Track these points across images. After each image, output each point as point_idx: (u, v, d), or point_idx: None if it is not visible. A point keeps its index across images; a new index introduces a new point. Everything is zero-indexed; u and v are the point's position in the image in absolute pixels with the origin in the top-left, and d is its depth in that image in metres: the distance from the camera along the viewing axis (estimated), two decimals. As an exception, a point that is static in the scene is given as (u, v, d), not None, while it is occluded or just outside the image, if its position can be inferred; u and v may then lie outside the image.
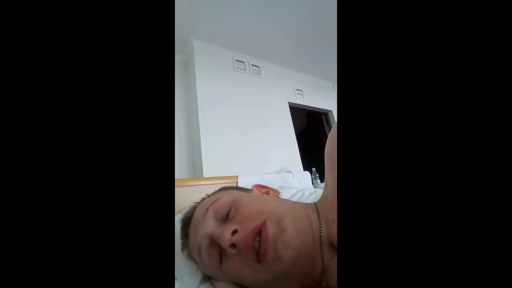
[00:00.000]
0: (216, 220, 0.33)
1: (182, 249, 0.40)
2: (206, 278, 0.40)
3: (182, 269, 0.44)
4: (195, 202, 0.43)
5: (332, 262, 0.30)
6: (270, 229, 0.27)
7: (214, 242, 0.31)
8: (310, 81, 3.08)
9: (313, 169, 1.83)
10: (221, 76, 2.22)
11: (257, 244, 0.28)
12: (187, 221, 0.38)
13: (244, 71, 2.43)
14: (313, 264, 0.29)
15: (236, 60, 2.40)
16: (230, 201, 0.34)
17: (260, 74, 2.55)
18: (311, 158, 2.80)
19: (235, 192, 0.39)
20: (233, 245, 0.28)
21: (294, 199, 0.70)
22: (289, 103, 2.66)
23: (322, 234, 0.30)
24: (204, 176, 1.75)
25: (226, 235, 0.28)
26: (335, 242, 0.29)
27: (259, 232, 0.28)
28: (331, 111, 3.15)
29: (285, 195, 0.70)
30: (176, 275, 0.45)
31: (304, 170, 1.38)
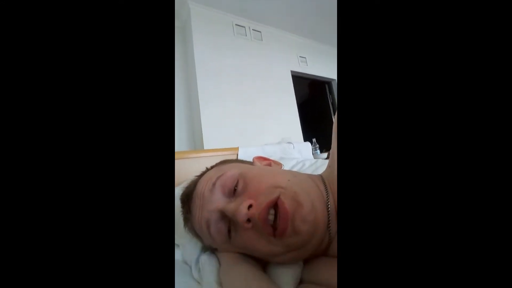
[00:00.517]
0: (224, 195, 0.33)
1: (185, 224, 0.40)
2: (207, 247, 0.41)
3: (184, 237, 0.45)
4: (196, 176, 0.42)
5: (336, 233, 0.30)
6: (288, 204, 0.27)
7: (224, 216, 0.31)
8: (314, 47, 2.91)
9: (314, 140, 1.83)
10: (220, 42, 2.09)
11: (272, 218, 0.28)
12: (189, 195, 0.38)
13: (245, 37, 2.28)
14: (324, 235, 0.30)
15: (236, 24, 2.25)
16: (237, 175, 0.33)
17: (262, 40, 2.40)
18: (312, 129, 2.78)
19: (241, 165, 0.38)
20: (248, 220, 0.28)
21: (295, 170, 0.70)
22: (291, 71, 2.56)
23: (329, 205, 0.31)
24: (205, 148, 1.76)
25: (243, 210, 0.28)
26: None
27: (273, 207, 0.28)
28: (334, 80, 3.03)
29: (285, 166, 0.70)
30: (177, 242, 0.47)
31: (305, 141, 1.37)
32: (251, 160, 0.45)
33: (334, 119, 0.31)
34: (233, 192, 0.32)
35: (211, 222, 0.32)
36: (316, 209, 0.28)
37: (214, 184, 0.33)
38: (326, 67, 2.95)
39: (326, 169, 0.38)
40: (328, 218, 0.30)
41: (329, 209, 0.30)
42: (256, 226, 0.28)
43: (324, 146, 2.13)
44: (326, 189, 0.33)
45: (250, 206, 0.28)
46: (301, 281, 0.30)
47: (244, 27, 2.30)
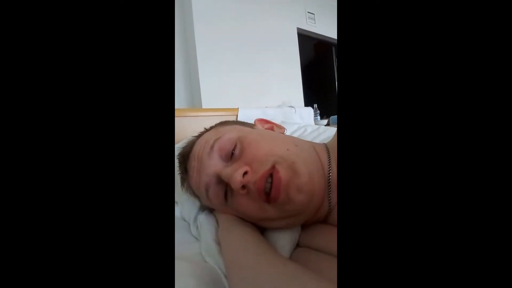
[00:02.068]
0: (221, 158, 0.32)
1: (182, 184, 0.40)
2: (205, 207, 0.42)
3: (182, 194, 0.45)
4: (193, 136, 0.41)
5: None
6: (282, 173, 0.27)
7: (220, 181, 0.31)
8: (324, 2, 2.65)
9: (315, 106, 1.78)
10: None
11: (268, 186, 0.28)
12: (186, 156, 0.37)
13: (248, -15, 2.04)
14: (322, 204, 0.30)
15: (239, -32, 1.99)
16: (235, 138, 0.32)
17: (268, -10, 2.16)
18: (314, 94, 2.71)
19: (240, 128, 0.37)
20: (243, 187, 0.28)
21: (296, 135, 0.69)
22: (298, 29, 2.36)
23: (330, 175, 0.30)
24: (203, 106, 1.71)
25: (237, 177, 0.28)
26: None
27: (270, 175, 0.28)
28: (343, 42, 2.84)
29: (287, 131, 0.69)
30: (176, 200, 0.48)
31: (306, 105, 1.34)
32: (251, 121, 0.43)
33: None
34: (230, 156, 0.32)
35: (209, 185, 0.32)
36: (313, 180, 0.28)
37: (212, 147, 0.33)
38: (335, 27, 2.73)
39: (333, 137, 0.37)
40: (329, 187, 0.30)
41: (330, 179, 0.30)
42: (251, 193, 0.29)
43: (325, 113, 2.09)
44: (329, 159, 0.32)
45: (245, 173, 0.28)
46: (298, 246, 0.31)
47: (249, -27, 2.04)
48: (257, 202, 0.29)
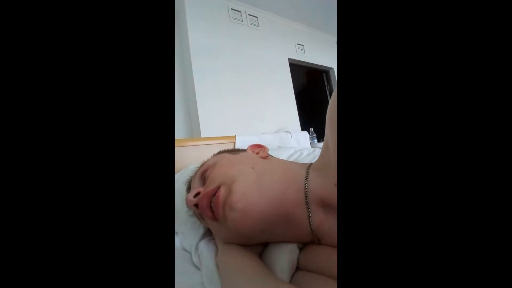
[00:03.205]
0: (200, 182, 0.36)
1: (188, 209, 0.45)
2: (208, 233, 0.42)
3: (184, 225, 0.46)
4: (197, 167, 0.46)
5: (326, 222, 0.30)
6: (221, 192, 0.30)
7: None
8: (312, 34, 2.86)
9: (311, 129, 1.83)
10: (215, 27, 2.03)
11: (214, 205, 0.30)
12: (189, 183, 0.42)
13: (241, 22, 2.22)
14: (292, 223, 0.30)
15: (231, 9, 2.18)
16: (211, 164, 0.36)
17: (259, 26, 2.34)
18: (310, 118, 2.78)
19: (223, 155, 0.40)
20: (196, 205, 0.32)
21: (292, 159, 0.70)
22: (289, 59, 2.51)
23: (307, 194, 0.30)
24: (202, 136, 1.74)
25: (188, 197, 0.32)
26: (335, 204, 0.29)
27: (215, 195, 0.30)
28: (332, 68, 3.00)
29: (283, 155, 0.70)
30: (176, 230, 0.47)
31: (302, 130, 1.37)
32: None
33: (329, 107, 0.30)
34: (203, 181, 0.36)
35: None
36: (247, 198, 0.28)
37: (196, 173, 0.38)
38: (323, 56, 2.91)
39: (318, 158, 0.36)
40: (307, 205, 0.30)
41: (308, 197, 0.30)
42: (202, 212, 0.31)
43: (321, 136, 2.13)
44: (307, 177, 0.32)
45: (197, 194, 0.32)
46: (298, 268, 0.31)
47: (240, 11, 2.23)
48: (210, 220, 0.31)
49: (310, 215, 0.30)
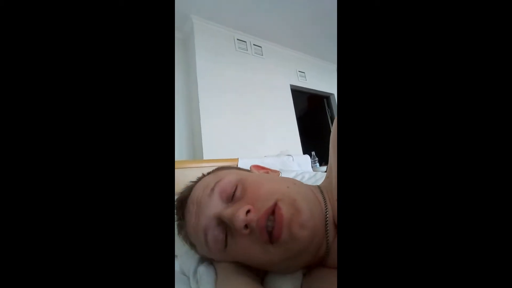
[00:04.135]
0: (222, 200, 0.32)
1: (179, 232, 0.39)
2: (206, 258, 0.41)
3: (181, 247, 0.44)
4: (191, 182, 0.41)
5: (333, 242, 0.30)
6: (284, 210, 0.27)
7: (220, 222, 0.30)
8: (313, 63, 3.00)
9: (313, 153, 1.84)
10: (222, 56, 2.15)
11: (270, 224, 0.27)
12: (184, 201, 0.37)
13: (246, 52, 2.35)
14: (321, 244, 0.30)
15: (237, 39, 2.32)
16: (236, 180, 0.32)
17: (263, 55, 2.47)
18: (311, 142, 2.80)
19: (238, 171, 0.37)
20: (246, 226, 0.27)
21: (294, 182, 0.70)
22: (291, 85, 2.61)
23: (327, 214, 0.31)
24: (204, 158, 1.75)
25: (240, 215, 0.27)
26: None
27: (272, 213, 0.27)
28: (333, 94, 3.09)
29: (282, 174, 0.70)
30: (176, 254, 0.46)
31: (304, 154, 1.38)
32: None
33: (332, 131, 0.32)
34: (231, 198, 0.31)
35: (208, 229, 0.31)
36: (314, 216, 0.28)
37: (212, 190, 0.32)
38: (324, 82, 3.02)
39: (324, 179, 0.38)
40: (326, 227, 0.30)
41: (327, 218, 0.30)
42: (254, 233, 0.28)
43: (323, 159, 2.14)
44: (324, 199, 0.33)
45: (248, 212, 0.27)
46: (301, 294, 0.30)
47: (246, 42, 2.37)
48: (259, 243, 0.28)
49: (328, 233, 0.30)
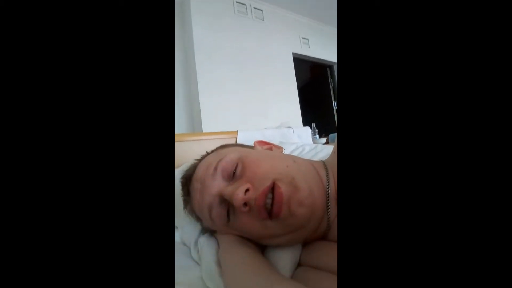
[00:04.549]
0: (224, 179, 0.33)
1: (185, 206, 0.40)
2: (206, 229, 0.42)
3: (183, 219, 0.46)
4: (195, 160, 0.42)
5: (335, 218, 0.31)
6: (283, 189, 0.28)
7: (223, 200, 0.32)
8: (317, 28, 2.81)
9: (313, 125, 1.82)
10: (220, 21, 2.01)
11: (269, 202, 0.28)
12: (189, 178, 0.38)
13: (246, 15, 2.19)
14: (322, 219, 0.31)
15: (237, 2, 2.14)
16: (237, 159, 0.33)
17: (263, 19, 2.31)
18: (312, 114, 2.76)
19: (240, 149, 0.38)
20: (245, 204, 0.28)
21: (294, 154, 0.70)
22: (293, 53, 2.48)
23: (329, 190, 0.31)
24: (204, 131, 1.74)
25: (239, 194, 0.28)
26: None
27: (271, 191, 0.28)
28: (336, 63, 2.96)
29: (285, 150, 0.70)
30: (176, 225, 0.48)
31: (304, 125, 1.37)
32: (250, 143, 0.44)
33: None
34: (232, 176, 0.32)
35: (212, 206, 0.33)
36: (313, 194, 0.29)
37: (215, 169, 0.33)
38: (328, 50, 2.86)
39: (330, 154, 0.38)
40: (328, 203, 0.31)
41: (329, 194, 0.31)
42: (253, 210, 0.29)
43: (323, 131, 2.12)
44: (327, 175, 0.33)
45: (247, 190, 0.28)
46: (299, 264, 0.31)
47: (245, 4, 2.20)
48: (259, 220, 0.29)
49: (329, 209, 0.31)
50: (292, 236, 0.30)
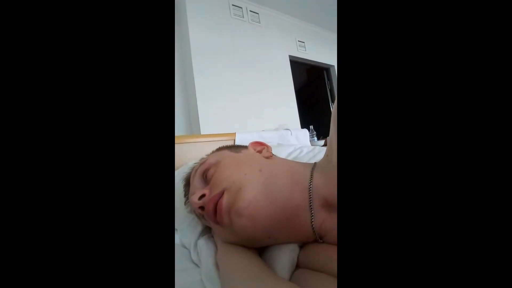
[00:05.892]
0: (201, 182, 0.36)
1: (186, 206, 0.43)
2: (206, 230, 0.42)
3: (182, 222, 0.46)
4: (195, 163, 0.44)
5: (328, 221, 0.30)
6: (224, 199, 0.30)
7: None
8: (313, 31, 2.83)
9: (311, 127, 1.83)
10: (216, 24, 2.01)
11: (217, 211, 0.30)
12: (188, 180, 0.41)
13: (242, 19, 2.20)
14: (296, 224, 0.30)
15: (232, 5, 2.16)
16: (213, 163, 0.35)
17: (260, 23, 2.32)
18: (310, 116, 2.77)
19: (224, 153, 0.38)
20: (201, 207, 0.32)
21: (292, 156, 0.70)
22: (290, 56, 2.50)
23: (311, 194, 0.30)
24: (202, 133, 1.74)
25: (193, 199, 0.32)
26: (335, 203, 0.29)
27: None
28: (333, 66, 2.98)
29: (283, 153, 0.70)
30: (176, 227, 0.47)
31: (302, 127, 1.37)
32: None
33: (333, 106, 0.30)
34: (205, 180, 0.35)
35: (195, 207, 0.34)
36: (256, 204, 0.28)
37: (196, 170, 0.36)
38: (325, 53, 2.89)
39: (323, 157, 0.37)
40: (310, 205, 0.30)
41: (312, 199, 0.30)
42: (206, 215, 0.31)
43: (321, 133, 2.13)
44: (311, 177, 0.32)
45: (202, 196, 0.31)
46: (297, 266, 0.31)
47: (241, 7, 2.21)
48: (214, 222, 0.31)
49: (313, 215, 0.30)
50: (256, 243, 0.31)
